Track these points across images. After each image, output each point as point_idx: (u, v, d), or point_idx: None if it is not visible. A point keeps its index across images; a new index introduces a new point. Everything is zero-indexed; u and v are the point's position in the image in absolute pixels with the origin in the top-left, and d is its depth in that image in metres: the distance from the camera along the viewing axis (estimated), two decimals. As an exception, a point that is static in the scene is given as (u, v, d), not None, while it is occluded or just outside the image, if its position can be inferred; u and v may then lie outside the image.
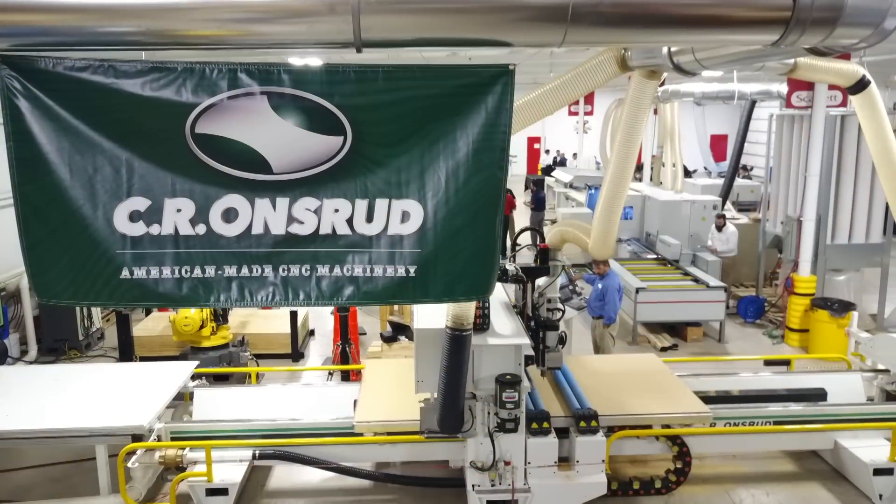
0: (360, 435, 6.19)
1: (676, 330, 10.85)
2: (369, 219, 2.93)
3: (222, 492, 5.98)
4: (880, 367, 7.43)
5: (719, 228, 12.19)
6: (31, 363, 9.73)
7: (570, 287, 9.13)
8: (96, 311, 10.53)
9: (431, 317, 5.43)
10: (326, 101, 2.93)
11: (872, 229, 10.58)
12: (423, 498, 6.33)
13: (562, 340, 6.45)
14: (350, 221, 2.93)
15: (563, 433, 6.04)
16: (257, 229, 2.96)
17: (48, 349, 10.13)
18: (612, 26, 2.76)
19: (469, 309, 5.11)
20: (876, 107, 6.21)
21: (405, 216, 2.91)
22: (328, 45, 2.83)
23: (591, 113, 25.20)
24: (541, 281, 6.74)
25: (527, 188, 24.27)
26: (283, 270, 2.97)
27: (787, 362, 7.91)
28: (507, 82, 2.98)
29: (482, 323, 5.65)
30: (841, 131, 10.27)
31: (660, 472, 6.48)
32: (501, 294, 6.72)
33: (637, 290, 10.49)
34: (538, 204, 19.09)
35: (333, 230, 2.93)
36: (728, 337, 10.92)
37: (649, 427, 6.29)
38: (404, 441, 6.22)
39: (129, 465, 5.82)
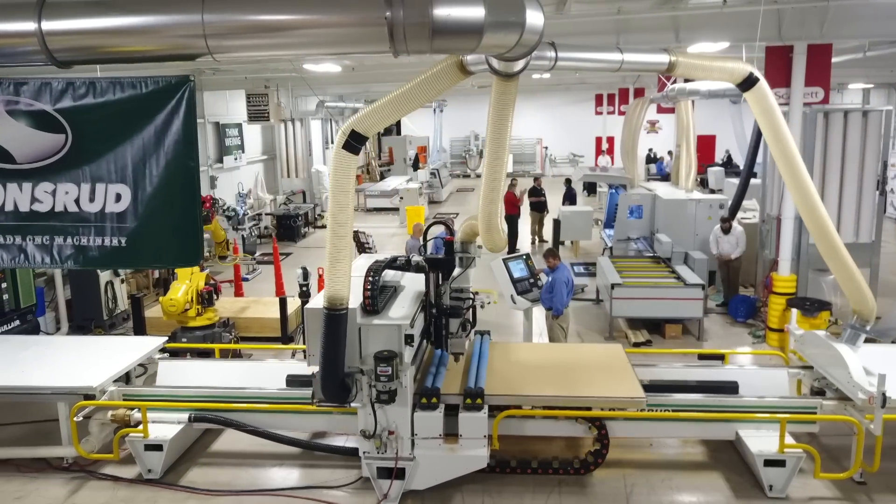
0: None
1: (658, 327, 10.96)
2: (91, 199, 3.69)
3: (158, 447, 6.87)
4: (808, 363, 7.43)
5: (726, 231, 12.03)
6: (61, 338, 11.11)
7: (530, 280, 9.52)
8: (121, 294, 11.84)
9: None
10: (47, 107, 3.70)
11: (862, 228, 10.29)
12: (351, 461, 6.86)
13: (464, 328, 6.93)
14: (77, 201, 3.71)
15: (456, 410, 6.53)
16: (9, 207, 3.79)
17: (78, 327, 11.50)
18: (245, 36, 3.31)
19: (343, 291, 5.75)
20: (767, 102, 6.31)
21: (118, 197, 3.66)
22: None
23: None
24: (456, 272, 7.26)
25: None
26: (29, 240, 3.79)
27: (721, 357, 7.99)
28: (189, 88, 3.64)
29: (371, 306, 6.24)
30: (826, 128, 10.09)
31: (581, 454, 6.82)
32: (417, 284, 7.27)
33: (612, 286, 10.70)
34: (570, 200, 19.29)
35: (65, 208, 3.73)
36: (712, 335, 10.93)
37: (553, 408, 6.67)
38: (323, 412, 6.91)
39: (76, 419, 6.79)
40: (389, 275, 7.10)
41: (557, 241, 13.39)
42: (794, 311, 8.11)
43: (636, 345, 10.38)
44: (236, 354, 9.85)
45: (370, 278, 6.23)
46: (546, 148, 37.23)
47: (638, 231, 14.11)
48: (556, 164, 36.75)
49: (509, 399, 6.61)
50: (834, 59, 13.03)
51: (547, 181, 23.01)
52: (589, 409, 6.69)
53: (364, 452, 6.39)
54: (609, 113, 26.52)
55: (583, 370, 7.23)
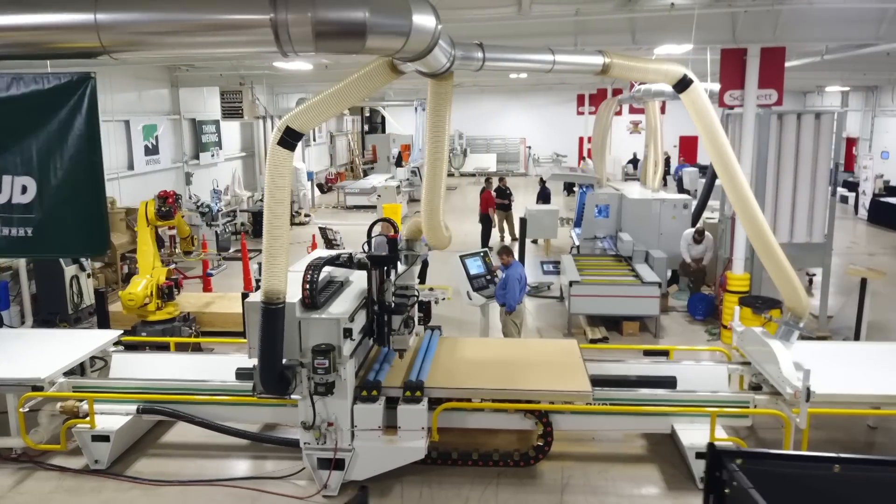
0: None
1: (617, 324, 11.12)
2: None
3: (105, 438, 6.97)
4: (748, 359, 7.60)
5: (697, 242, 12.14)
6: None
7: (487, 277, 9.67)
8: (87, 289, 11.90)
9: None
10: None
11: (815, 229, 10.48)
12: (297, 453, 6.90)
13: (407, 325, 7.02)
14: (-12, 193, 3.84)
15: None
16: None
17: (43, 321, 11.53)
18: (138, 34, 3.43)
19: (280, 285, 5.86)
20: (701, 103, 6.47)
21: (24, 189, 3.80)
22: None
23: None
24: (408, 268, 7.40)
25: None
26: None
27: (665, 353, 8.15)
28: (90, 86, 3.77)
29: (310, 300, 6.36)
30: (779, 130, 10.27)
31: (526, 447, 6.95)
32: (364, 280, 7.39)
33: (570, 284, 10.86)
34: (545, 199, 19.47)
35: (-22, 200, 3.85)
36: (670, 332, 11.11)
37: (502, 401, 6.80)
38: (271, 404, 7.04)
39: (23, 410, 6.89)
40: (340, 269, 7.23)
41: (524, 239, 13.52)
42: (737, 308, 8.27)
43: (593, 341, 10.52)
44: (197, 348, 9.94)
45: (309, 274, 6.35)
46: (529, 148, 37.38)
47: (605, 230, 14.26)
48: (539, 163, 36.88)
49: (450, 392, 6.74)
50: (795, 63, 13.30)
51: (531, 181, 23.20)
52: (535, 402, 6.81)
53: (304, 443, 6.52)
54: (591, 113, 26.69)
55: (532, 365, 7.36)
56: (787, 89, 34.21)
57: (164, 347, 9.32)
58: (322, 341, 6.23)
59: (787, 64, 13.02)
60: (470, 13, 9.99)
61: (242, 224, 19.24)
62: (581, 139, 31.62)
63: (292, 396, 6.38)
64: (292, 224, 21.15)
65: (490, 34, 10.18)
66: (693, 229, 12.00)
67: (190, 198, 17.62)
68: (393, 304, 6.89)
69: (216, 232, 16.55)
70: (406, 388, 6.59)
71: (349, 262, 6.88)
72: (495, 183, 18.30)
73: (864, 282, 10.12)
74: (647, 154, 15.28)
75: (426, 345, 7.72)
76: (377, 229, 7.35)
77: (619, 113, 23.92)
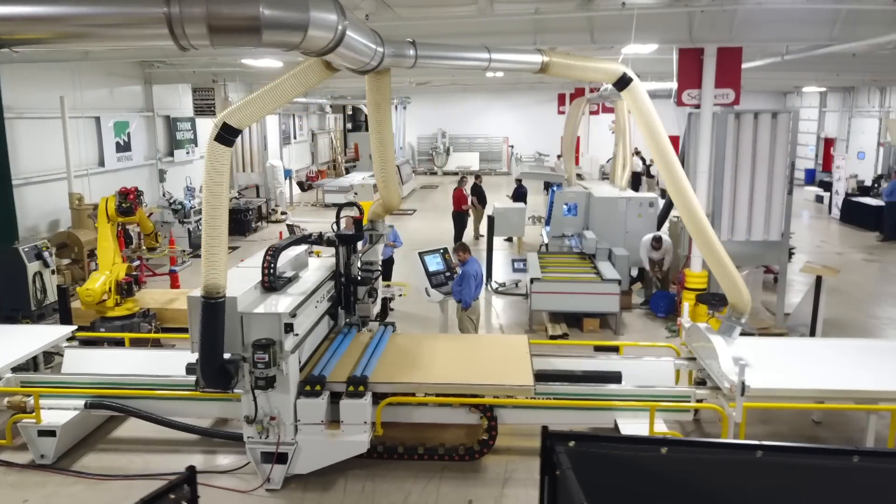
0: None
1: (579, 320, 11.20)
2: None
3: (51, 433, 6.98)
4: (693, 355, 7.70)
5: (656, 249, 12.20)
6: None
7: (446, 273, 9.74)
8: (51, 285, 11.88)
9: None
10: None
11: (772, 227, 10.59)
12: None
13: (371, 294, 7.53)
14: None
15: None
16: None
17: (6, 317, 11.51)
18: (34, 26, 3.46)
19: (219, 280, 5.91)
20: (641, 101, 6.55)
21: None
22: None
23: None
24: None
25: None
26: None
27: (616, 349, 8.24)
28: None
29: (269, 284, 6.70)
30: (737, 129, 10.38)
31: (472, 441, 7.01)
32: (317, 274, 7.52)
33: (531, 281, 10.95)
34: (521, 198, 19.55)
35: None
36: (631, 329, 11.22)
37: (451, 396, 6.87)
38: (219, 398, 7.09)
39: (-32, 405, 6.90)
40: (294, 262, 7.56)
41: (492, 237, 13.63)
42: (687, 305, 8.38)
43: (553, 337, 10.62)
44: (157, 344, 9.95)
45: (269, 256, 6.56)
46: (512, 147, 37.47)
47: (573, 228, 14.35)
48: (521, 162, 36.98)
49: (394, 386, 6.79)
50: (758, 63, 13.43)
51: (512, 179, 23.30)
52: (479, 396, 6.87)
53: (248, 437, 6.56)
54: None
55: (480, 360, 7.43)
56: (767, 89, 34.55)
57: (122, 343, 9.34)
58: (263, 335, 6.28)
59: (751, 64, 13.22)
60: (431, 11, 10.07)
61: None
62: (562, 138, 31.76)
63: (235, 391, 6.43)
64: (268, 222, 21.18)
65: (451, 32, 10.26)
66: (651, 236, 12.08)
67: (164, 195, 17.60)
68: (359, 277, 7.43)
69: (188, 229, 16.55)
70: (349, 383, 6.64)
71: (319, 240, 7.26)
72: (471, 181, 18.38)
73: (819, 279, 10.26)
74: (616, 153, 15.38)
75: (377, 340, 7.76)
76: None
77: (595, 112, 24.05)
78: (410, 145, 38.14)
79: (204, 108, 16.48)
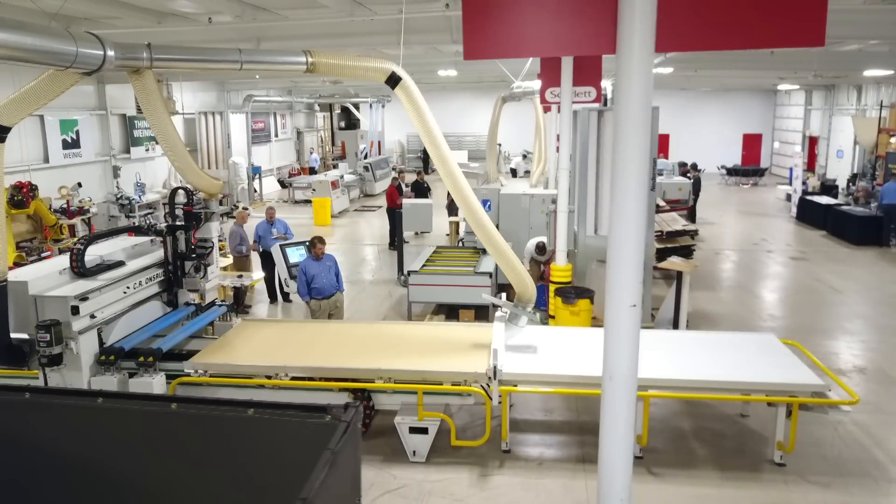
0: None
1: (458, 312, 11.53)
2: None
3: None
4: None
5: (541, 254, 12.38)
6: None
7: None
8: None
9: None
10: None
11: (638, 222, 10.75)
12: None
13: (197, 269, 8.13)
14: None
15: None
16: None
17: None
18: None
19: (1, 266, 6.44)
20: (412, 97, 6.86)
21: None
22: None
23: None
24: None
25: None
26: None
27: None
28: None
29: (79, 270, 7.31)
30: (599, 127, 10.58)
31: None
32: (140, 263, 8.07)
33: (408, 273, 11.30)
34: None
35: None
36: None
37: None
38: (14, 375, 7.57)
39: None
40: (131, 251, 8.27)
41: (401, 232, 14.01)
42: (504, 295, 8.66)
43: (425, 328, 10.95)
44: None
45: (78, 246, 7.32)
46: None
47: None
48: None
49: (187, 365, 7.22)
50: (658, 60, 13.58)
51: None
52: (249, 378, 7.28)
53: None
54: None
55: (305, 344, 7.84)
56: (753, 88, 34.13)
57: None
58: (56, 317, 6.78)
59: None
60: (297, 13, 10.50)
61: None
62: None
63: (32, 368, 6.95)
64: (228, 217, 21.82)
65: (319, 33, 10.69)
66: (535, 242, 12.33)
67: (113, 190, 18.36)
68: (184, 252, 8.08)
69: (132, 223, 17.25)
70: (139, 355, 7.11)
71: (149, 231, 7.95)
72: (413, 177, 18.79)
73: (679, 275, 10.44)
74: (535, 150, 15.62)
75: (201, 320, 8.23)
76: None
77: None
78: (400, 143, 38.63)
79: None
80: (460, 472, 6.77)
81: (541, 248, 12.09)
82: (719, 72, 20.56)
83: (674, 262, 10.56)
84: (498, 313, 7.83)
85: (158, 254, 8.35)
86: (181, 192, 8.70)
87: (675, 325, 10.54)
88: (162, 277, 8.24)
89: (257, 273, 11.33)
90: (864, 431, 7.52)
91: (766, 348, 7.62)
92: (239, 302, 9.73)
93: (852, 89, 26.67)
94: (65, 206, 14.72)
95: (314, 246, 9.67)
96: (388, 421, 7.20)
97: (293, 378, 7.07)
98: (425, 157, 36.08)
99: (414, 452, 6.98)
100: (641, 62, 3.13)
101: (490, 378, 6.73)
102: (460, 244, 14.79)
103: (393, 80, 6.81)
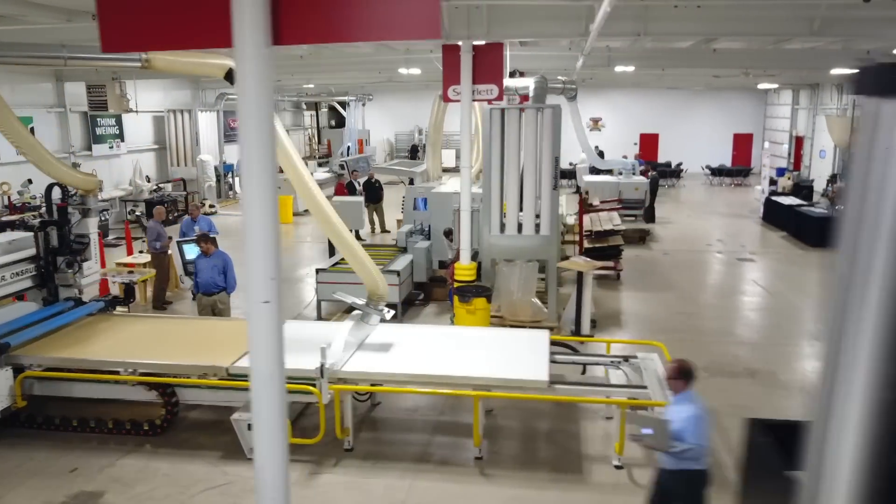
0: None
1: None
2: None
3: None
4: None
5: (450, 240, 12.35)
6: None
7: None
8: None
9: None
10: None
11: (542, 223, 10.65)
12: None
13: (69, 265, 8.27)
14: None
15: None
16: None
17: None
18: None
19: None
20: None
21: None
22: None
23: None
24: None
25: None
26: None
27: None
28: None
29: None
30: (502, 125, 10.50)
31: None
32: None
33: (317, 271, 11.30)
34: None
35: None
36: (422, 317, 11.49)
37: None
38: None
39: None
40: (6, 246, 8.25)
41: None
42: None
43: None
44: None
45: None
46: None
47: (424, 221, 14.59)
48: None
49: (38, 359, 7.29)
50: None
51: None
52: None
53: None
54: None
55: (192, 343, 7.91)
56: (744, 87, 33.70)
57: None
58: None
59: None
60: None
61: (132, 212, 20.02)
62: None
63: None
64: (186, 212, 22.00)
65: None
66: (445, 229, 12.31)
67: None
68: (57, 248, 8.18)
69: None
70: (-14, 353, 7.18)
71: (22, 226, 7.92)
72: (364, 176, 18.79)
73: (580, 275, 10.32)
74: (474, 149, 15.49)
75: (66, 316, 8.29)
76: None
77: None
78: (389, 141, 38.63)
79: (98, 103, 17.30)
80: (292, 471, 6.70)
81: (446, 233, 12.09)
82: (680, 70, 20.28)
83: (574, 262, 10.44)
84: (354, 312, 7.79)
85: (33, 250, 8.44)
86: (56, 188, 8.77)
87: (578, 325, 10.44)
88: (34, 273, 8.32)
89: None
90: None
91: (534, 346, 7.66)
92: (129, 298, 9.77)
93: (834, 89, 26.19)
94: (6, 203, 14.95)
95: (200, 243, 9.70)
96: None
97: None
98: (412, 153, 36.12)
99: (251, 449, 6.94)
100: (255, 55, 3.07)
101: (320, 376, 6.71)
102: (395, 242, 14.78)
103: (230, 77, 6.80)
